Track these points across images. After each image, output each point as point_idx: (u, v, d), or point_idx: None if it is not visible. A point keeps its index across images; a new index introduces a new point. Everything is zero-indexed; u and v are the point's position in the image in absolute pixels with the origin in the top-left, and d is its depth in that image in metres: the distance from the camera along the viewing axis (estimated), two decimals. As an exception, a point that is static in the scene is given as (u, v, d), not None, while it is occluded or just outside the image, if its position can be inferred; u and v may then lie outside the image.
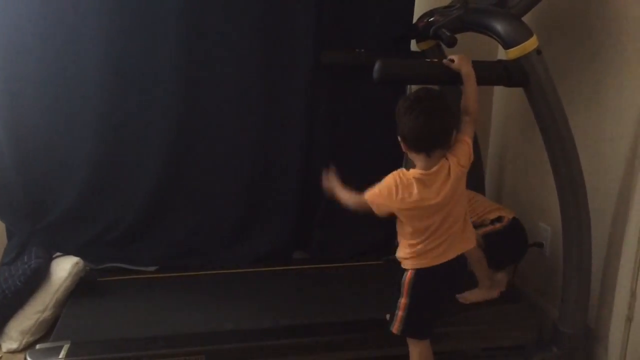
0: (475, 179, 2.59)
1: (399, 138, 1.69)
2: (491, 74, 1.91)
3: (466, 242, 1.76)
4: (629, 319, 1.94)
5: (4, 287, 2.13)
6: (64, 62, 2.31)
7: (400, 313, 1.77)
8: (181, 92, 2.40)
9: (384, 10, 2.43)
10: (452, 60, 1.75)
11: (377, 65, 1.71)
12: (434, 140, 1.65)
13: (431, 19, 2.07)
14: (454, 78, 1.77)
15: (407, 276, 1.74)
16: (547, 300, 2.34)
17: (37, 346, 1.87)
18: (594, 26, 2.06)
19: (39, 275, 2.18)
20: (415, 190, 1.65)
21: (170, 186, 2.50)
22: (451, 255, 1.72)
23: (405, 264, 1.76)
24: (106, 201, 2.47)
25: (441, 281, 1.75)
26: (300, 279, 2.43)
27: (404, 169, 1.71)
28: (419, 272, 1.73)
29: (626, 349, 1.96)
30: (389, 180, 1.69)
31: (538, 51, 1.80)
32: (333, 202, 2.62)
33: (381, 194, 1.68)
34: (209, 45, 2.37)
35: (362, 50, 2.40)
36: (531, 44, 1.78)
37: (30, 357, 1.78)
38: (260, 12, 2.36)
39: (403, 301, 1.76)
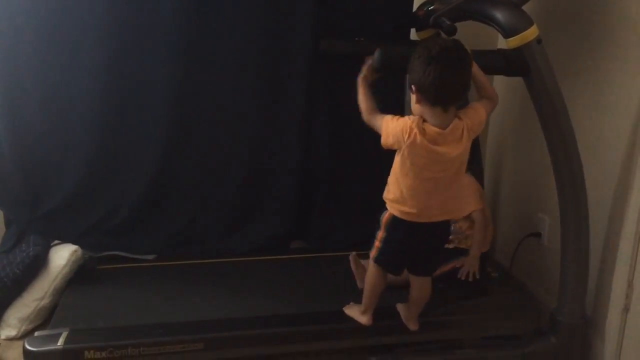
0: (474, 171, 2.59)
1: (413, 87, 1.61)
2: (491, 63, 1.90)
3: (456, 212, 1.79)
4: (626, 309, 1.94)
5: (2, 275, 2.13)
6: (61, 55, 2.30)
7: (377, 243, 1.84)
8: (179, 83, 2.39)
9: (383, -2, 2.42)
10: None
11: (376, 54, 1.71)
12: (455, 94, 1.61)
13: (431, 8, 2.06)
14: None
15: (386, 215, 1.77)
16: (544, 290, 2.35)
17: (36, 333, 1.86)
18: (595, 16, 2.05)
19: (38, 263, 2.18)
20: (422, 144, 1.61)
21: (169, 175, 2.49)
22: (435, 218, 1.73)
23: (390, 207, 1.75)
24: (105, 189, 2.47)
25: (417, 235, 1.76)
26: (299, 269, 2.43)
27: (416, 117, 1.64)
28: (396, 219, 1.75)
29: (623, 338, 1.97)
30: (400, 123, 1.64)
31: (538, 40, 1.79)
32: (332, 192, 2.66)
33: (396, 128, 1.64)
34: (206, 36, 2.36)
35: (362, 38, 2.38)
36: (531, 32, 1.78)
37: (29, 345, 1.77)
38: (258, 2, 2.35)
39: (380, 234, 1.82)
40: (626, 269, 1.92)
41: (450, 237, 2.11)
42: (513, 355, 2.03)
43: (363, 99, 1.77)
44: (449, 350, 2.00)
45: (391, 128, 1.65)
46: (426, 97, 1.60)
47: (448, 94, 1.59)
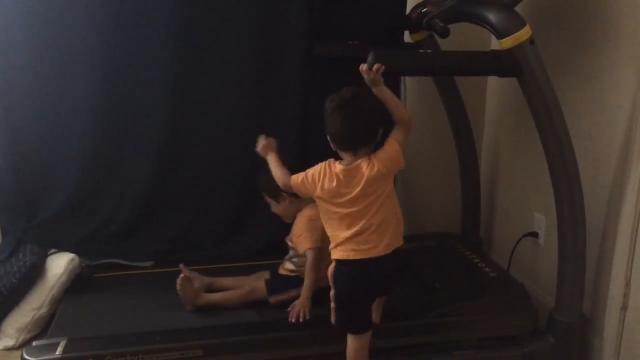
0: (470, 171, 2.60)
1: (328, 137, 1.73)
2: (485, 64, 1.90)
3: (395, 242, 1.75)
4: (624, 307, 1.95)
5: (-1, 284, 2.13)
6: (56, 60, 2.31)
7: (332, 304, 1.81)
8: (174, 89, 2.39)
9: (377, 1, 2.42)
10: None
11: (370, 57, 1.71)
12: (359, 141, 1.69)
13: (424, 10, 2.07)
14: (447, 69, 1.76)
15: (330, 268, 1.78)
16: (542, 289, 2.35)
17: (34, 343, 1.86)
18: (587, 16, 2.06)
19: (35, 272, 2.18)
20: (334, 183, 1.70)
21: (165, 182, 2.49)
22: (375, 253, 1.71)
23: (332, 255, 1.78)
24: (101, 197, 2.47)
25: (363, 277, 1.74)
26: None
27: (332, 160, 1.75)
28: (338, 264, 1.75)
29: (621, 337, 1.97)
30: (317, 168, 1.75)
31: (531, 41, 1.79)
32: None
33: (305, 181, 1.75)
34: (200, 41, 2.36)
35: (356, 41, 2.39)
36: (524, 33, 1.78)
37: (27, 354, 1.77)
38: (252, 5, 2.35)
39: (332, 292, 1.80)
40: (623, 268, 1.92)
41: (294, 267, 2.13)
42: (512, 355, 2.03)
43: (275, 168, 1.89)
44: (448, 352, 2.00)
45: (303, 187, 1.77)
46: (336, 144, 1.72)
47: (351, 141, 1.69)
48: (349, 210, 1.70)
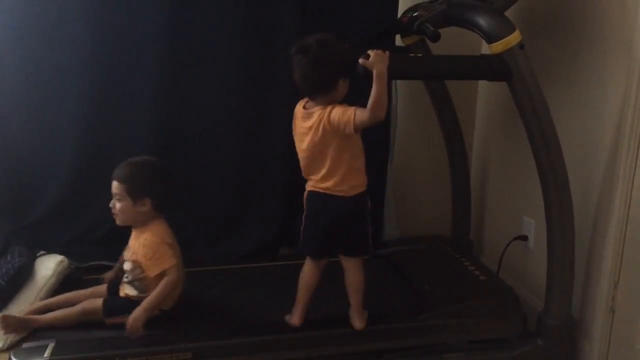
0: (460, 175, 2.61)
1: None
2: (475, 68, 1.92)
3: (338, 191, 1.80)
4: (612, 310, 1.96)
5: (-13, 286, 2.11)
6: (46, 64, 2.30)
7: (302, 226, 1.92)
8: (165, 90, 2.39)
9: (368, 5, 2.43)
10: (368, 56, 1.69)
11: (361, 61, 1.71)
12: (311, 88, 1.74)
13: (415, 14, 2.08)
14: (438, 73, 1.77)
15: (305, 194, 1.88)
16: (532, 292, 2.36)
17: (22, 345, 1.85)
18: (576, 21, 2.08)
19: (23, 274, 2.16)
20: (296, 120, 1.83)
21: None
22: (318, 187, 1.81)
23: None
24: (91, 198, 2.45)
25: (318, 211, 1.86)
26: (287, 275, 2.42)
27: (302, 101, 1.83)
28: (307, 192, 1.86)
29: (609, 340, 1.98)
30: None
31: (521, 45, 1.81)
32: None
33: None
34: (192, 44, 2.36)
35: (347, 45, 2.39)
36: (514, 38, 1.79)
37: (15, 357, 1.76)
38: (243, 8, 2.35)
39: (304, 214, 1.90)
40: (611, 271, 1.94)
41: (137, 293, 1.94)
42: (501, 357, 2.04)
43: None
44: (438, 355, 2.01)
45: None
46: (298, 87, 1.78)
47: (304, 87, 1.75)
48: (303, 148, 1.80)
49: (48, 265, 2.21)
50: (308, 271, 1.94)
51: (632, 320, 1.90)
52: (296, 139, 1.85)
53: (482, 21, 1.83)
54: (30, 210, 2.43)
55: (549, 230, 1.97)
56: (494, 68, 1.84)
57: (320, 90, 1.74)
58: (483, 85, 2.79)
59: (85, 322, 1.96)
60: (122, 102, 2.38)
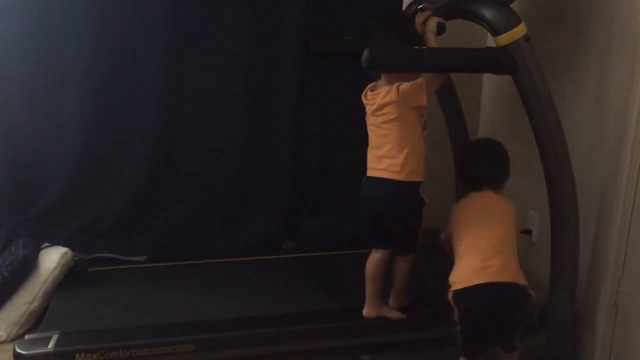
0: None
1: None
2: (480, 61, 1.90)
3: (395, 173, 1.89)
4: (616, 305, 1.96)
5: (-9, 278, 2.12)
6: (50, 57, 2.30)
7: None
8: (169, 83, 2.39)
9: (373, -3, 2.43)
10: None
11: (365, 53, 1.71)
12: (382, 67, 1.85)
13: (420, 7, 2.06)
14: (442, 65, 1.76)
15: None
16: (535, 286, 2.35)
17: (26, 337, 1.86)
18: (582, 13, 2.06)
19: (27, 266, 2.17)
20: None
21: (159, 176, 2.49)
22: (376, 173, 1.92)
23: None
24: (95, 191, 2.46)
25: (367, 193, 1.94)
26: (290, 268, 2.43)
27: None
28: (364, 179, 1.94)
29: (613, 334, 1.98)
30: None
31: (527, 38, 1.79)
32: (322, 192, 2.65)
33: None
34: (194, 38, 2.37)
35: (351, 37, 2.39)
36: (520, 30, 1.78)
37: (19, 348, 1.76)
38: (247, 2, 2.35)
39: None
40: (615, 265, 1.93)
41: None
42: (505, 351, 2.03)
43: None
44: (441, 348, 2.00)
45: None
46: None
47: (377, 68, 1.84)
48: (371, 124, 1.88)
49: (52, 257, 2.21)
50: (370, 261, 1.97)
51: (636, 315, 1.90)
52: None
53: (488, 13, 1.82)
54: (34, 202, 2.44)
55: (553, 224, 1.96)
56: (499, 61, 1.83)
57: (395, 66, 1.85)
58: (488, 79, 2.77)
59: (87, 314, 1.97)
60: (126, 96, 2.39)
